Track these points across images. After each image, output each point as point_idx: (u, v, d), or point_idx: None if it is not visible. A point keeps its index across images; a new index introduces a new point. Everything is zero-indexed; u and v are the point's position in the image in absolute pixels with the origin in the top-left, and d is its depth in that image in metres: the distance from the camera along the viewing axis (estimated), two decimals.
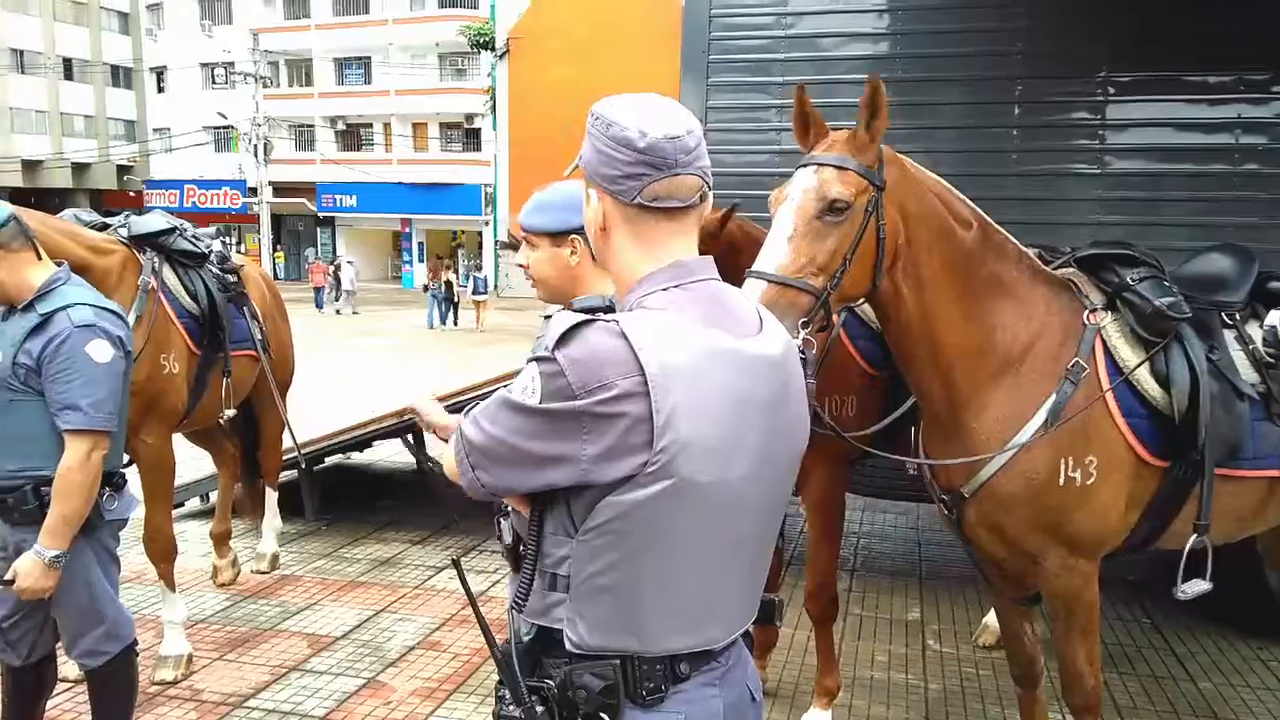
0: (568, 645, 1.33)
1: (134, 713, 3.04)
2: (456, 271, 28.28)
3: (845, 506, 3.59)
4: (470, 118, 37.49)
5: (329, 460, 7.04)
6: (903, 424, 3.13)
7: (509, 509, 1.44)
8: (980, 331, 2.58)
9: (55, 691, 3.14)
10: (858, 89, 2.49)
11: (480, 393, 5.98)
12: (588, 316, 1.29)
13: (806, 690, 3.80)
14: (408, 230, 40.39)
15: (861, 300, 2.60)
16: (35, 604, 2.68)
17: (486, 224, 37.24)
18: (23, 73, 41.42)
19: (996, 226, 2.66)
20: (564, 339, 1.26)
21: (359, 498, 6.79)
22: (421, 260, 40.05)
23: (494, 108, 27.51)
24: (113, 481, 2.76)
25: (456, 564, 1.48)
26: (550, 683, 1.34)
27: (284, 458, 5.43)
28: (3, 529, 2.73)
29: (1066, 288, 2.74)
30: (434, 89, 38.39)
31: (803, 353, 2.25)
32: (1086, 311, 2.66)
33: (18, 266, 2.64)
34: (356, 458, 7.62)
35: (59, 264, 2.79)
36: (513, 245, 5.55)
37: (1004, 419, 2.58)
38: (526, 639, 1.38)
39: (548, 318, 1.91)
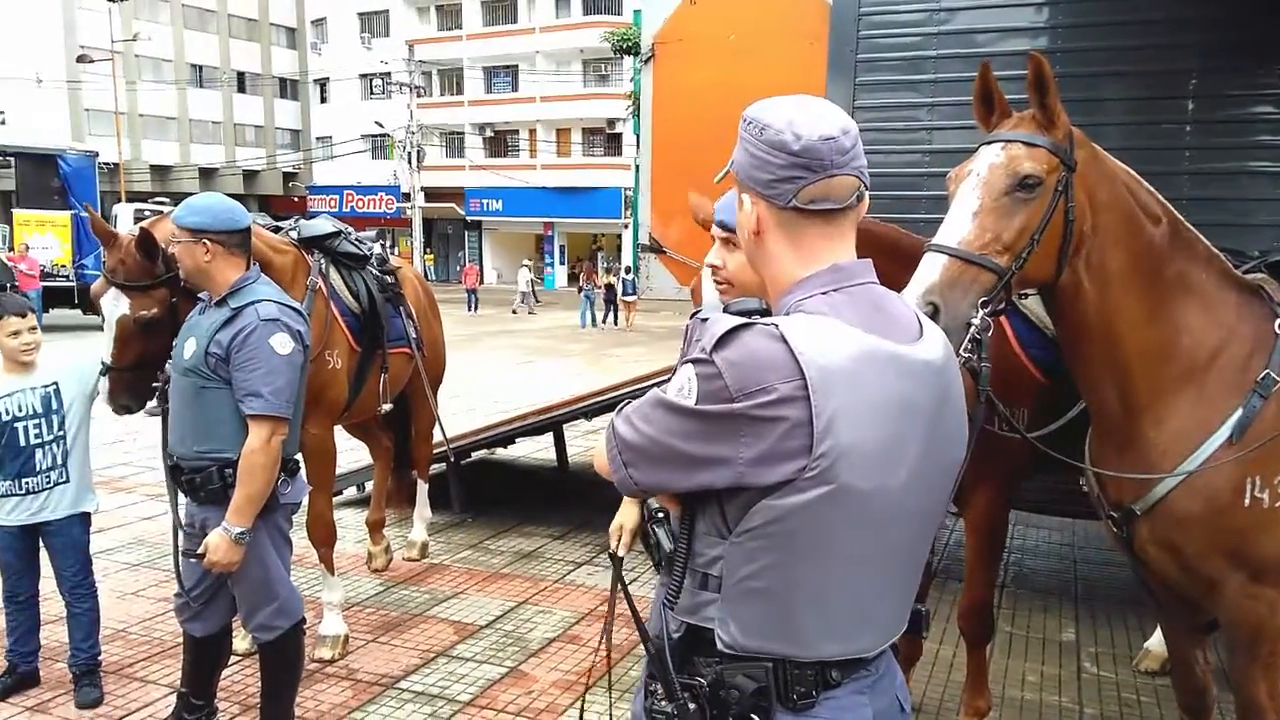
0: (719, 645, 1.33)
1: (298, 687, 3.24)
2: (596, 273, 29.17)
3: (1008, 527, 3.44)
4: (612, 122, 38.11)
5: (474, 455, 7.27)
6: (1069, 435, 2.96)
7: (660, 514, 1.44)
8: (1164, 334, 2.42)
9: (229, 663, 3.39)
10: (1015, 85, 2.39)
11: (618, 394, 6.05)
12: (745, 320, 1.28)
13: (951, 707, 3.68)
14: (550, 233, 41.37)
15: (1033, 294, 2.49)
16: (218, 578, 2.90)
17: (626, 227, 37.68)
18: (201, 86, 44.66)
19: (1186, 224, 2.50)
20: (722, 341, 1.26)
21: (501, 492, 6.99)
22: (563, 263, 40.97)
23: (636, 112, 27.90)
24: (287, 467, 2.95)
25: (615, 559, 1.51)
26: (702, 681, 1.34)
27: (434, 451, 5.65)
28: (191, 506, 2.98)
29: (1256, 294, 2.55)
30: (577, 95, 39.24)
31: (978, 337, 2.18)
32: (1278, 320, 2.47)
33: (227, 267, 2.89)
34: (500, 453, 7.85)
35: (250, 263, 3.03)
36: (654, 248, 5.60)
37: (1184, 431, 2.41)
38: (675, 636, 1.38)
39: (694, 316, 1.92)
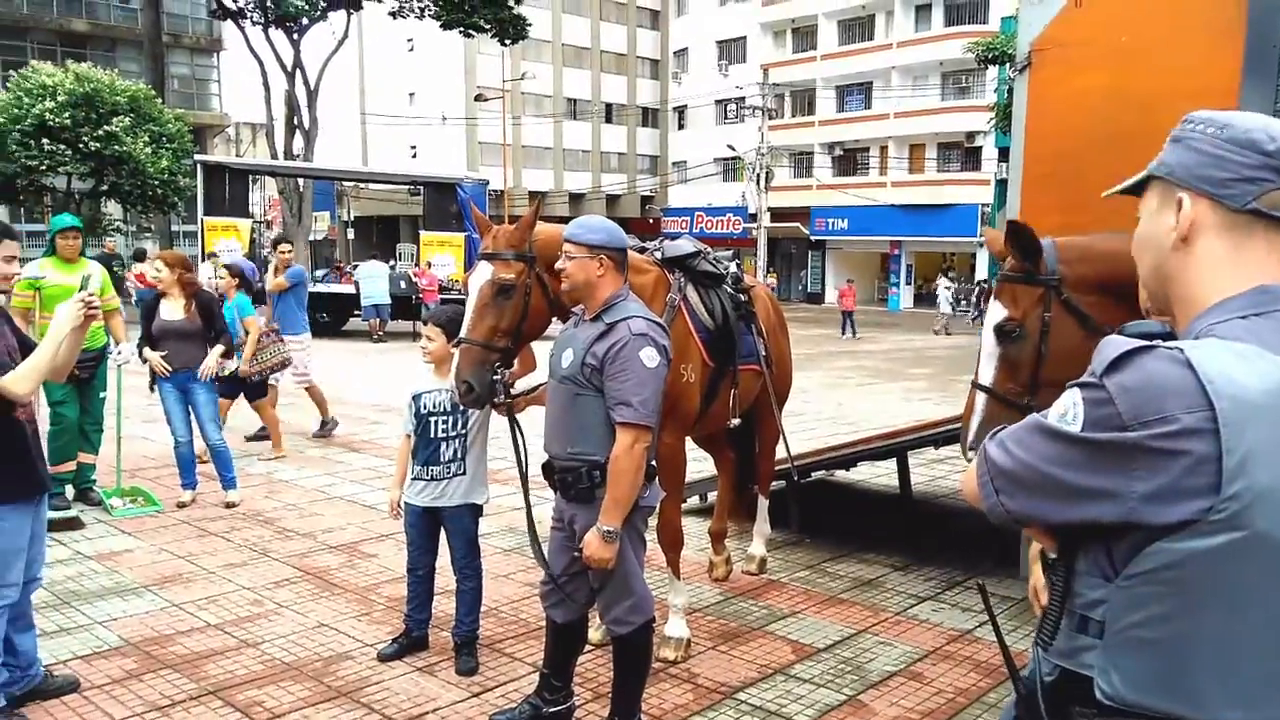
0: (1098, 695, 1.21)
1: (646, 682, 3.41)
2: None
3: None
4: (971, 136, 36.47)
5: (813, 475, 7.24)
6: None
7: (1054, 556, 1.35)
8: None
9: (583, 651, 3.64)
10: None
11: (953, 428, 5.72)
12: (1144, 342, 1.17)
13: None
14: (896, 252, 40.38)
15: None
16: (581, 569, 3.14)
17: (981, 245, 35.80)
18: (574, 118, 49.00)
19: None
20: (1116, 365, 1.16)
21: (840, 515, 6.89)
22: (909, 283, 39.79)
23: (999, 124, 26.43)
24: (646, 472, 3.13)
25: (982, 589, 1.44)
26: None
27: (776, 468, 5.70)
28: (560, 501, 3.25)
29: None
30: (934, 109, 38.03)
31: None
32: None
33: (610, 283, 3.15)
34: (839, 475, 7.75)
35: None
36: None
37: None
38: (1048, 680, 1.30)
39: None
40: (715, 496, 5.74)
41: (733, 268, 4.77)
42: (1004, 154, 32.16)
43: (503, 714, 3.53)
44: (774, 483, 5.87)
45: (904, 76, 38.99)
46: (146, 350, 6.32)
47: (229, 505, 6.55)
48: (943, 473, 8.16)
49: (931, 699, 3.89)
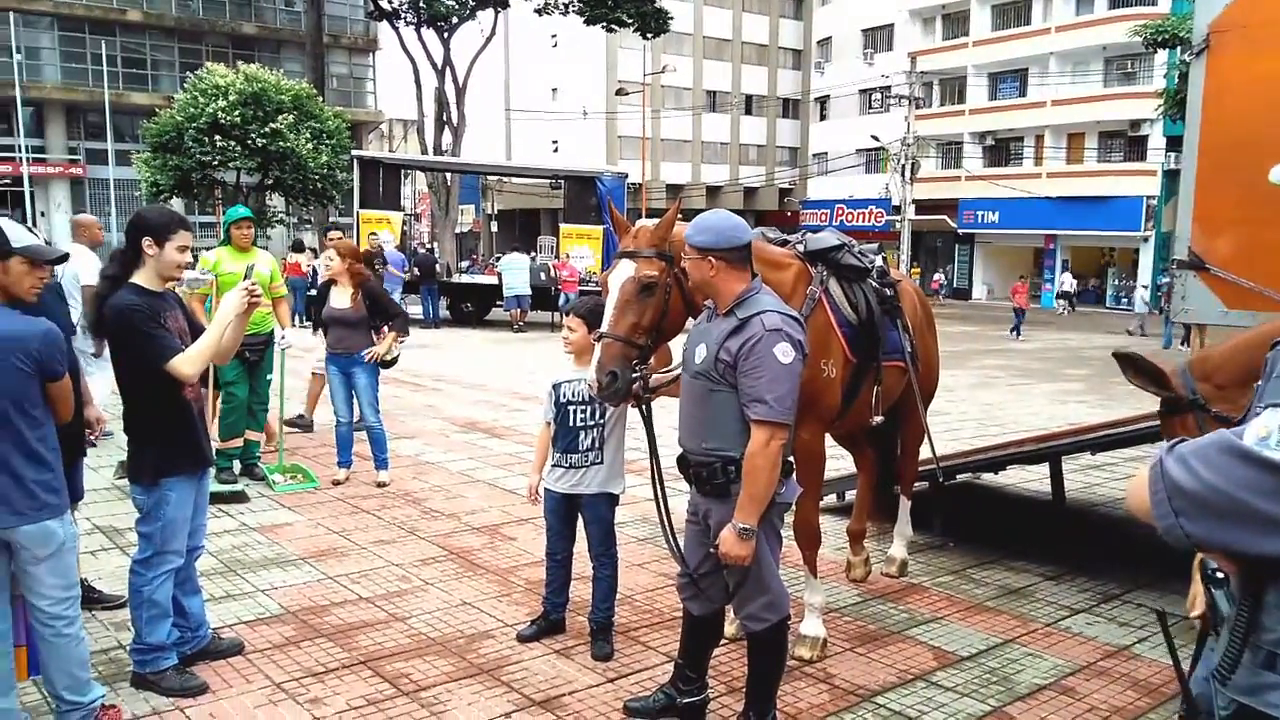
0: None
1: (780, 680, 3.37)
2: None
3: None
4: (1135, 125, 34.36)
5: (958, 477, 6.98)
6: None
7: (1219, 574, 1.25)
8: None
9: (719, 645, 3.62)
10: None
11: (1137, 429, 5.38)
12: None
13: None
14: (1051, 247, 38.50)
15: None
16: (717, 563, 3.13)
17: (1145, 239, 33.78)
18: (713, 110, 48.85)
19: None
20: None
21: (986, 520, 6.63)
22: None
23: (1168, 111, 24.80)
24: (783, 468, 3.08)
25: (1161, 616, 1.34)
26: None
27: (919, 468, 5.52)
28: (695, 495, 3.25)
29: None
30: (1095, 96, 36.00)
31: None
32: None
33: (731, 280, 3.11)
34: (986, 478, 7.46)
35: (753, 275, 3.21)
36: (1193, 264, 4.89)
37: None
38: (1224, 714, 1.21)
39: (1276, 346, 1.61)
40: (854, 495, 5.61)
41: (879, 261, 4.65)
42: (1174, 143, 30.19)
43: (637, 701, 3.56)
44: (916, 483, 5.70)
45: (1063, 62, 37.06)
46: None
47: (380, 485, 6.85)
48: (1099, 480, 7.74)
49: (1084, 715, 3.69)
